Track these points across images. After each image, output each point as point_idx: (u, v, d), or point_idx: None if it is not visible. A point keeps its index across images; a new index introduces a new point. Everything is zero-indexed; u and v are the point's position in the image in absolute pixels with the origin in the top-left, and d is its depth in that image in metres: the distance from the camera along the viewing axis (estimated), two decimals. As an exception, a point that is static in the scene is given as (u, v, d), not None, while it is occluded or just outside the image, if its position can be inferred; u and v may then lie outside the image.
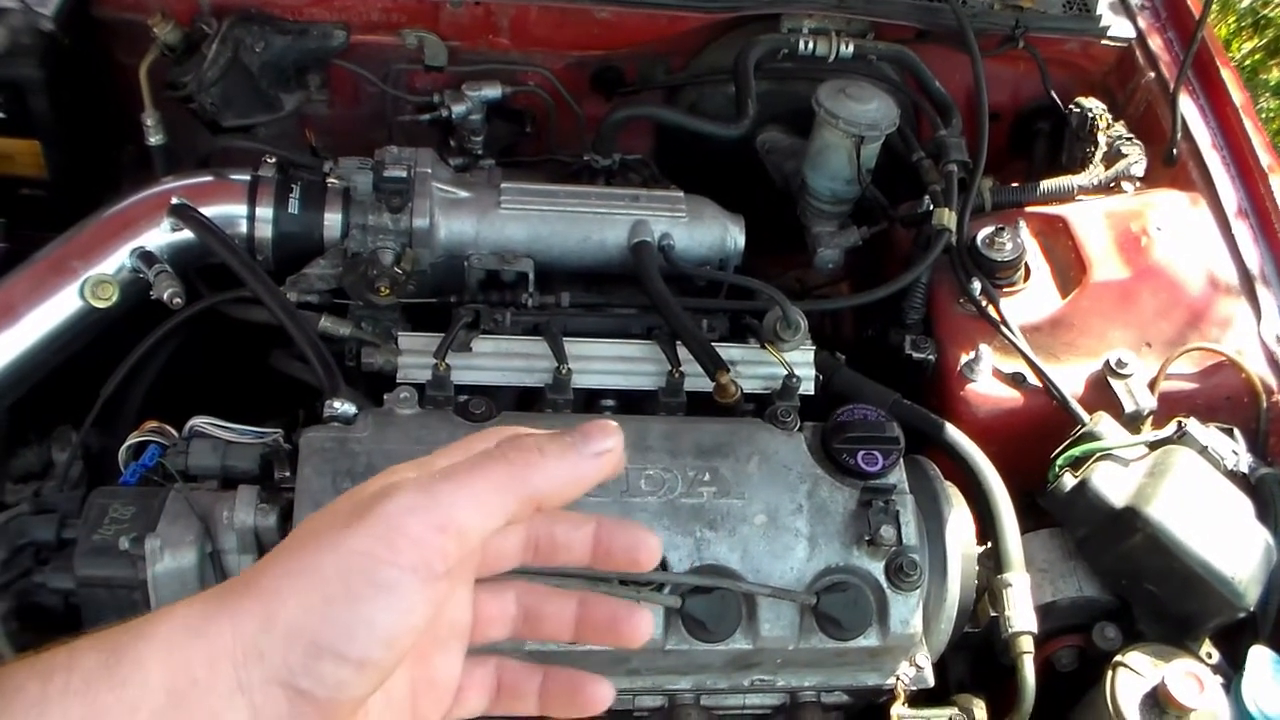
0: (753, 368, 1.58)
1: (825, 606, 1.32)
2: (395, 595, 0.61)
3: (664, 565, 1.31)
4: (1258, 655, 1.44)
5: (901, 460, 1.44)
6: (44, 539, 1.38)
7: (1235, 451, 1.59)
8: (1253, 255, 1.86)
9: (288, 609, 0.60)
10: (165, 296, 1.52)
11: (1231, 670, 1.47)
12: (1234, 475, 1.57)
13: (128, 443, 1.44)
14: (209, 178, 1.67)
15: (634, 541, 0.77)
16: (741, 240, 1.76)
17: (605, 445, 0.69)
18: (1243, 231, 1.89)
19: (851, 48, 2.00)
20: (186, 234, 1.59)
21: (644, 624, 0.78)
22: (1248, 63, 4.43)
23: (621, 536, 0.77)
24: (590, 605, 0.79)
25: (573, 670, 0.79)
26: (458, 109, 1.92)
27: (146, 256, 1.57)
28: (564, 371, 1.49)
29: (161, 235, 1.60)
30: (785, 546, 1.35)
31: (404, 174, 1.63)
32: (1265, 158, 1.94)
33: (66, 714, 0.58)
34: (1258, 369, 1.72)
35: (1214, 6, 4.07)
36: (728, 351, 1.56)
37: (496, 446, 0.68)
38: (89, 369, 1.59)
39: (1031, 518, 1.58)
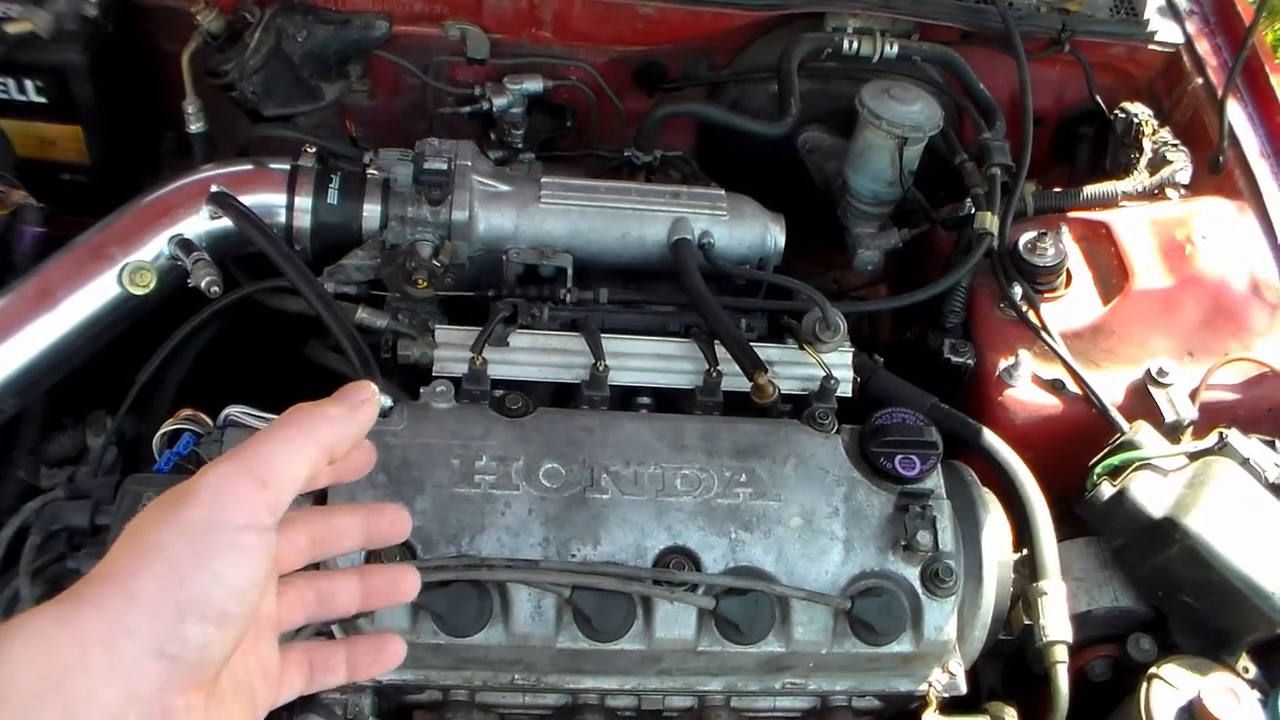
0: (790, 368, 1.57)
1: (860, 611, 1.31)
2: (237, 550, 0.70)
3: (698, 566, 1.31)
4: (1296, 671, 1.43)
5: (939, 465, 1.43)
6: (78, 525, 1.38)
7: (1277, 464, 1.57)
8: (1299, 265, 1.83)
9: (146, 586, 0.67)
10: (203, 285, 1.52)
11: (1269, 686, 1.45)
12: (1276, 488, 1.54)
13: (162, 430, 1.44)
14: (248, 166, 1.67)
15: (391, 518, 0.88)
16: (782, 240, 1.75)
17: (362, 396, 0.82)
18: (1290, 241, 1.86)
19: (896, 48, 1.98)
20: (225, 222, 1.59)
21: (413, 581, 0.89)
22: (1292, 70, 4.37)
23: (379, 517, 0.88)
24: (371, 574, 0.88)
25: (371, 635, 0.91)
26: (499, 102, 1.92)
27: (185, 244, 1.57)
28: (601, 368, 1.49)
29: (200, 223, 1.60)
30: (820, 550, 1.34)
31: (444, 166, 1.63)
32: (1316, 167, 1.91)
33: None
34: (1301, 381, 1.69)
35: (1264, 12, 4.04)
36: (766, 351, 1.55)
37: (284, 414, 0.78)
38: (125, 355, 1.59)
39: (1068, 526, 1.57)
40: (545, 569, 1.26)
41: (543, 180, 1.72)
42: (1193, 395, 1.66)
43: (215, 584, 0.69)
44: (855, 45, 1.98)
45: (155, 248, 1.58)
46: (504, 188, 1.70)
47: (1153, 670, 1.44)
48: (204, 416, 1.45)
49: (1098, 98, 2.12)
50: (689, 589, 1.28)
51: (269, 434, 0.76)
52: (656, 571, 1.29)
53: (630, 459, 1.35)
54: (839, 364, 1.58)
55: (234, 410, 1.43)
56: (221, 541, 0.70)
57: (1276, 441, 1.61)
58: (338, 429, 0.79)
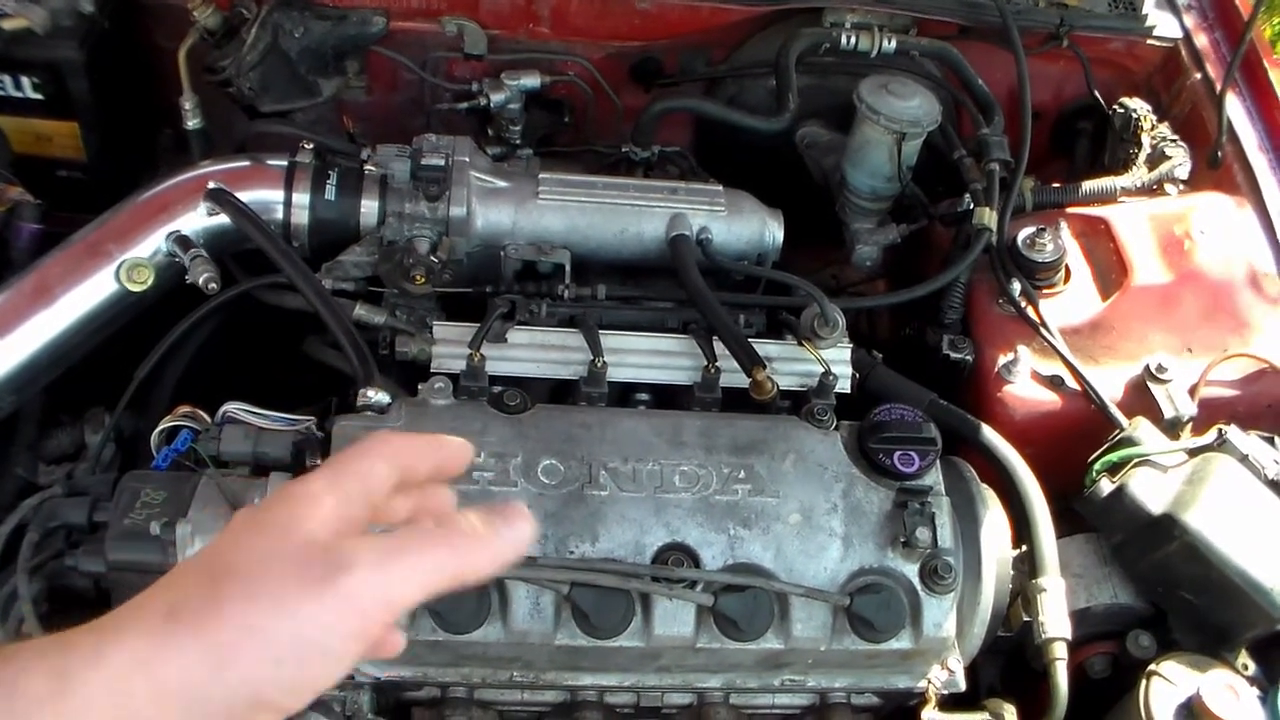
0: (789, 364, 1.56)
1: (858, 608, 1.31)
2: (337, 661, 0.68)
3: (697, 562, 1.31)
4: (1296, 667, 1.43)
5: (938, 461, 1.43)
6: (76, 522, 1.38)
7: (1277, 460, 1.56)
8: (1297, 260, 1.83)
9: (240, 666, 0.65)
10: (200, 281, 1.52)
11: (1268, 682, 1.45)
12: (1275, 484, 1.54)
13: (160, 427, 1.44)
14: (246, 163, 1.67)
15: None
16: (780, 235, 1.75)
17: (524, 533, 0.75)
18: (1289, 236, 1.86)
19: (894, 43, 1.98)
20: (222, 219, 1.59)
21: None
22: (1291, 64, 4.37)
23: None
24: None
25: None
26: (496, 98, 1.92)
27: (182, 241, 1.56)
28: (599, 365, 1.48)
29: (198, 219, 1.60)
30: (819, 546, 1.34)
31: (442, 162, 1.62)
32: (1313, 162, 1.91)
33: None
34: (1300, 377, 1.69)
35: (1262, 7, 4.03)
36: (764, 348, 1.55)
37: (440, 529, 0.73)
38: (123, 352, 1.59)
39: (1067, 522, 1.57)
40: (544, 566, 1.26)
41: (540, 176, 1.71)
42: (1192, 391, 1.66)
43: (307, 690, 0.67)
44: (853, 40, 1.97)
45: (153, 244, 1.58)
46: (502, 184, 1.69)
47: (1152, 667, 1.44)
48: (202, 413, 1.45)
49: (1096, 93, 2.12)
50: (687, 586, 1.28)
51: (422, 554, 0.70)
52: (655, 568, 1.29)
53: (628, 455, 1.35)
54: (838, 360, 1.57)
55: (231, 407, 1.43)
56: (328, 650, 0.67)
57: (1275, 438, 1.60)
58: (484, 565, 0.73)
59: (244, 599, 0.66)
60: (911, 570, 1.35)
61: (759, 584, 1.29)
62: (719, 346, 1.54)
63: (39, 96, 1.81)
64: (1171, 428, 1.62)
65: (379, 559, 0.69)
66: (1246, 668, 1.47)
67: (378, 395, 1.40)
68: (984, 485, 1.49)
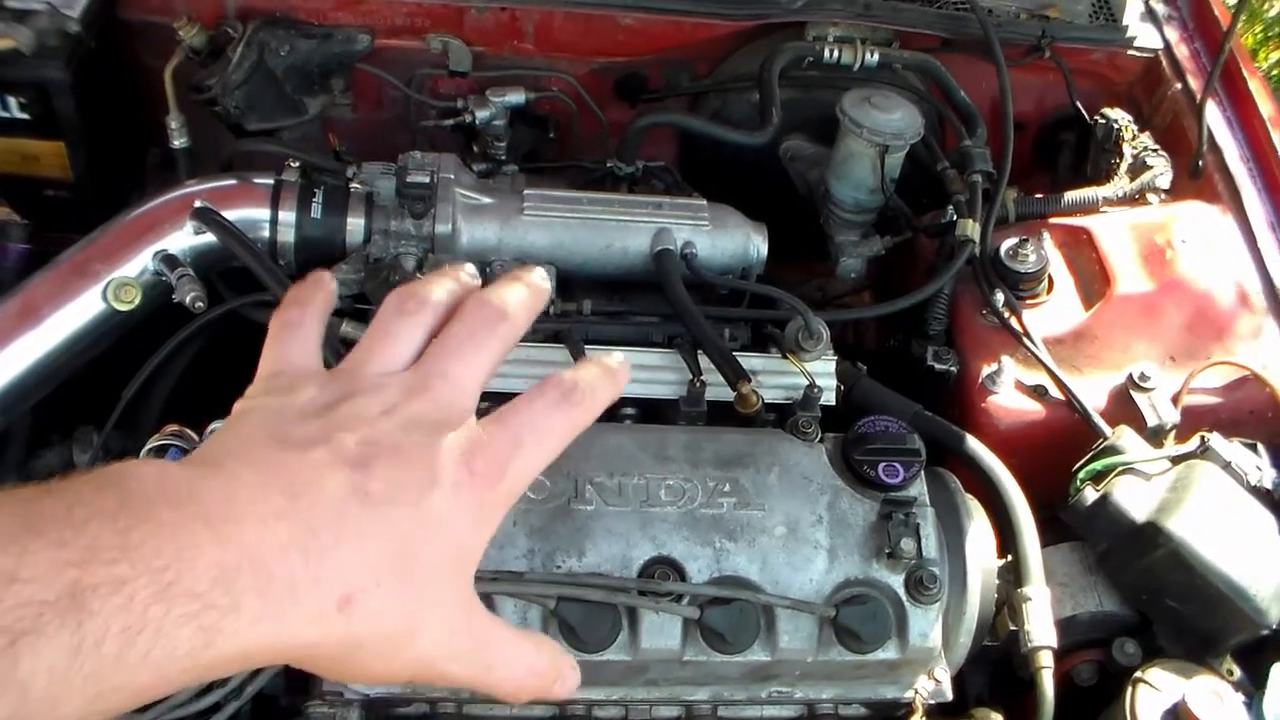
0: (774, 377, 1.57)
1: (844, 619, 1.31)
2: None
3: (683, 576, 1.31)
4: (1280, 673, 1.43)
5: (922, 472, 1.43)
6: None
7: (1259, 467, 1.58)
8: (1278, 268, 1.84)
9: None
10: (187, 300, 1.53)
11: (1253, 688, 1.45)
12: (1257, 491, 1.56)
13: (148, 446, 1.44)
14: (232, 181, 1.67)
15: None
16: (764, 249, 1.76)
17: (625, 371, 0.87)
18: (1269, 244, 1.87)
19: (876, 56, 1.99)
20: (209, 237, 1.59)
21: None
22: (1275, 72, 4.41)
23: None
24: None
25: None
26: (481, 114, 1.92)
27: (169, 260, 1.57)
28: (584, 379, 1.49)
29: (184, 238, 1.60)
30: (805, 558, 1.34)
31: (427, 179, 1.63)
32: (1293, 169, 1.93)
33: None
34: (1282, 384, 1.70)
35: (1242, 17, 4.06)
36: (749, 361, 1.55)
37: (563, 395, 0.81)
38: (112, 371, 1.59)
39: (1053, 532, 1.57)
40: (530, 580, 1.26)
41: (525, 192, 1.72)
42: (1175, 399, 1.67)
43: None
44: (836, 54, 1.99)
45: (140, 264, 1.58)
46: (487, 200, 1.70)
47: (1138, 674, 1.44)
48: (189, 432, 1.45)
49: (1078, 103, 2.13)
50: (674, 599, 1.28)
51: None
52: (641, 582, 1.29)
53: (614, 470, 1.36)
54: (822, 372, 1.58)
55: (219, 425, 1.43)
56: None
57: (1259, 445, 1.62)
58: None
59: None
60: (897, 581, 1.35)
61: (745, 597, 1.29)
62: (704, 360, 1.54)
63: (25, 116, 1.81)
64: (1155, 436, 1.62)
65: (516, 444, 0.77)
66: (1232, 673, 1.48)
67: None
68: (968, 495, 1.49)
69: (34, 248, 1.69)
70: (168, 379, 1.68)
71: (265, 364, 0.83)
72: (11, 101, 1.80)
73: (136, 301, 1.56)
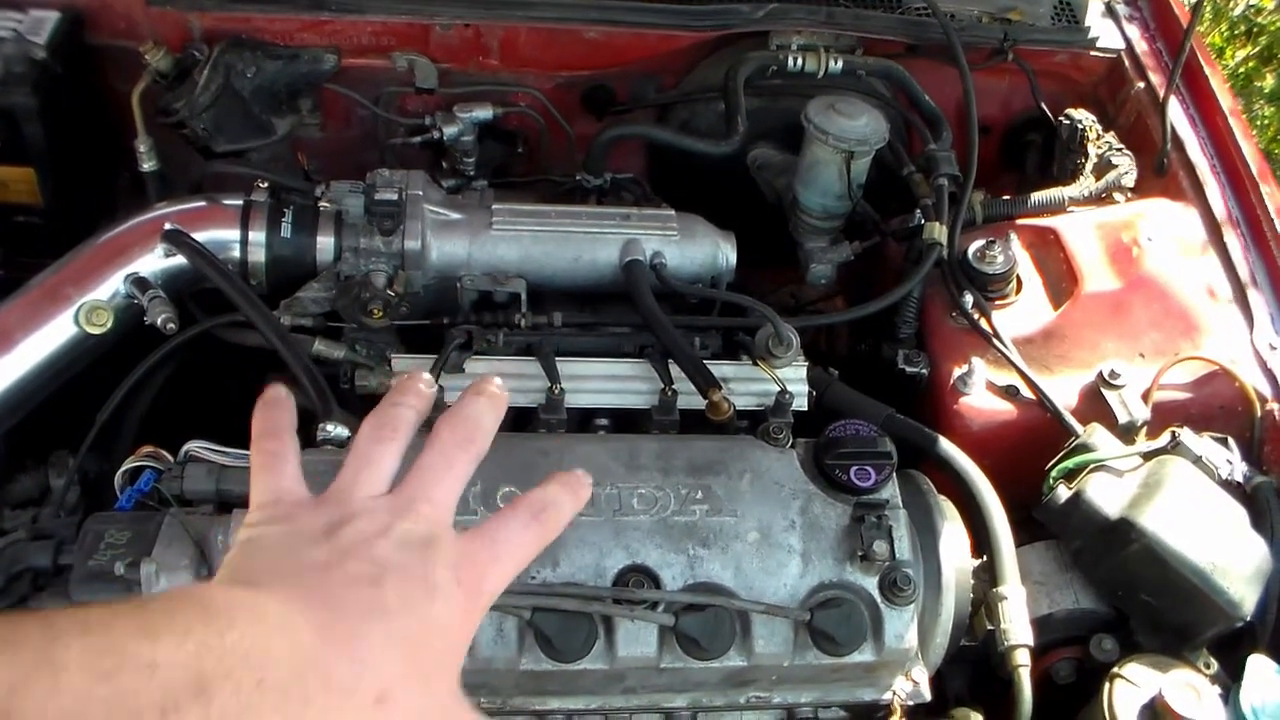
0: (745, 384, 1.58)
1: (819, 622, 1.32)
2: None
3: (657, 583, 1.31)
4: (1256, 664, 1.43)
5: (894, 475, 1.44)
6: (41, 565, 1.38)
7: (1229, 461, 1.59)
8: (1244, 263, 1.86)
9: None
10: (159, 322, 1.53)
11: (1230, 680, 1.46)
12: (1228, 484, 1.57)
13: (123, 468, 1.44)
14: (202, 203, 1.68)
15: None
16: (733, 257, 1.77)
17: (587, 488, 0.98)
18: (1233, 240, 1.89)
19: (840, 63, 2.01)
20: (180, 259, 1.60)
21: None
22: (1241, 70, 4.44)
23: None
24: None
25: None
26: (449, 130, 1.93)
27: (140, 282, 1.57)
28: (557, 391, 1.50)
29: (155, 261, 1.61)
30: (778, 563, 1.35)
31: (395, 196, 1.64)
32: (1255, 164, 1.94)
33: None
34: (1251, 378, 1.71)
35: (1206, 15, 4.10)
36: (720, 369, 1.56)
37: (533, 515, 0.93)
38: (85, 394, 1.59)
39: (1028, 531, 1.58)
40: (506, 592, 1.26)
41: (494, 207, 1.73)
42: (1145, 396, 1.68)
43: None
44: (800, 62, 2.00)
45: (111, 287, 1.59)
46: (456, 216, 1.71)
47: (1115, 669, 1.45)
48: (164, 453, 1.45)
49: (1043, 105, 2.15)
50: (648, 607, 1.29)
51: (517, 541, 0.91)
52: (616, 590, 1.29)
53: (586, 480, 1.36)
54: (793, 378, 1.59)
55: (194, 445, 1.44)
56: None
57: (1229, 439, 1.63)
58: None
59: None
60: (871, 583, 1.36)
61: (719, 602, 1.30)
62: (676, 369, 1.55)
63: (-7, 143, 1.81)
64: (1126, 432, 1.63)
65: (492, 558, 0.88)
66: (1209, 666, 1.48)
67: (337, 429, 1.41)
68: (941, 497, 1.50)
69: (5, 273, 1.69)
70: (143, 401, 1.68)
71: (259, 493, 0.91)
72: (-21, 129, 1.80)
73: (108, 325, 1.56)
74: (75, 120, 1.90)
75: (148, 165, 1.85)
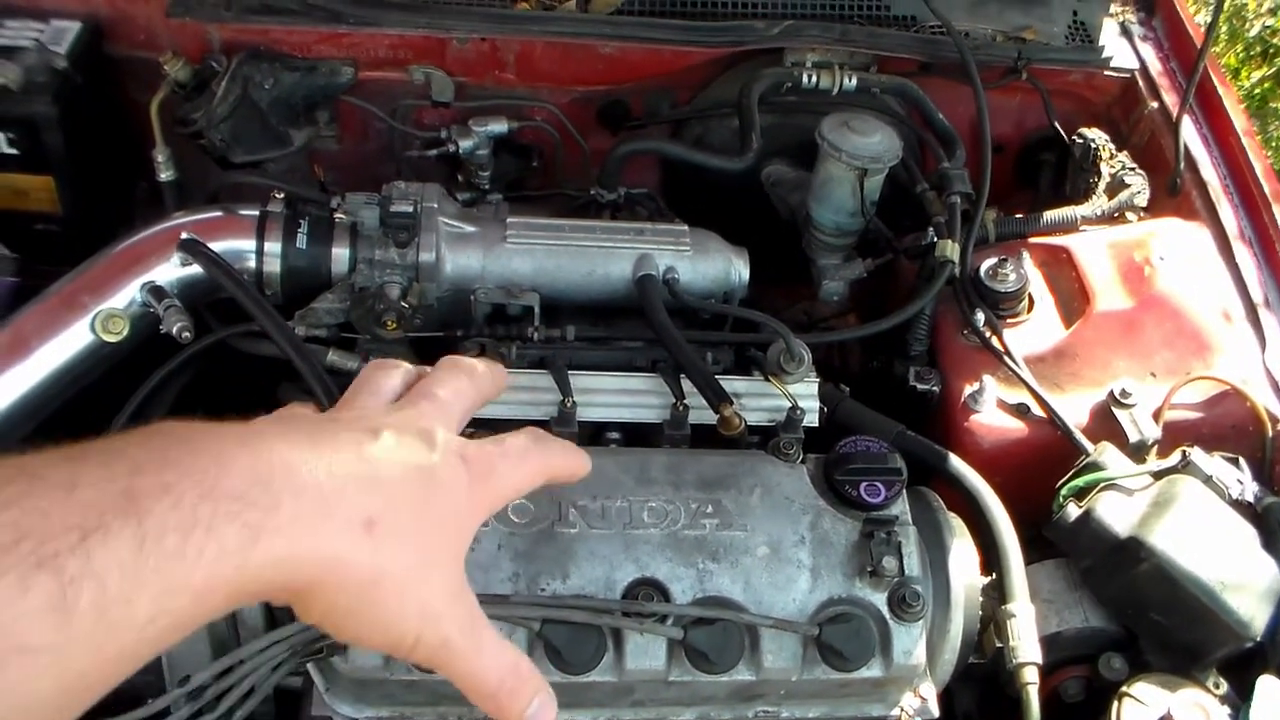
0: (757, 400, 1.58)
1: (828, 637, 1.32)
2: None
3: (667, 597, 1.32)
4: (1266, 686, 1.43)
5: (904, 491, 1.44)
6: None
7: (1240, 480, 1.59)
8: (1256, 283, 1.86)
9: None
10: (174, 330, 1.54)
11: (1239, 701, 1.46)
12: (1239, 504, 1.57)
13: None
14: (218, 213, 1.69)
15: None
16: (746, 273, 1.77)
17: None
18: (1246, 259, 1.89)
19: (855, 81, 2.01)
20: (195, 269, 1.61)
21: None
22: (1257, 91, 4.44)
23: None
24: None
25: None
26: (465, 144, 1.94)
27: (156, 291, 1.59)
28: (569, 405, 1.50)
29: (171, 270, 1.62)
30: (788, 578, 1.35)
31: (410, 209, 1.65)
32: (1268, 185, 1.95)
33: None
34: (1263, 398, 1.71)
35: (1222, 36, 4.11)
36: (732, 384, 1.57)
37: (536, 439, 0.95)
38: (102, 402, 1.61)
39: (1038, 550, 1.58)
40: (516, 604, 1.27)
41: (509, 220, 1.74)
42: (1156, 415, 1.68)
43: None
44: (814, 79, 2.00)
45: (127, 295, 1.60)
46: (470, 229, 1.72)
47: (1124, 689, 1.45)
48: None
49: (1056, 124, 2.15)
50: (658, 620, 1.29)
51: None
52: (625, 603, 1.30)
53: (597, 493, 1.37)
54: (805, 394, 1.59)
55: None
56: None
57: (1240, 459, 1.63)
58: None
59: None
60: (880, 599, 1.36)
61: (728, 616, 1.30)
62: (688, 384, 1.56)
63: (14, 151, 1.83)
64: (1137, 451, 1.63)
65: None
66: (1218, 686, 1.48)
67: None
68: (951, 514, 1.50)
69: (23, 281, 1.71)
70: (160, 408, 1.69)
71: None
72: (0, 137, 1.82)
73: (124, 333, 1.58)
74: (95, 130, 1.92)
75: (165, 175, 1.86)
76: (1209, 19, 1.98)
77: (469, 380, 0.95)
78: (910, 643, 1.36)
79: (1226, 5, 4.26)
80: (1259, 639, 1.47)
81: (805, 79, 2.01)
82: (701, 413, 1.54)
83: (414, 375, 0.94)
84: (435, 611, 0.78)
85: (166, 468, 0.63)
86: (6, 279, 1.71)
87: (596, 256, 1.72)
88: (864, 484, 1.41)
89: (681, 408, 1.53)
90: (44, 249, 1.84)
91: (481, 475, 0.83)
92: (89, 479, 0.60)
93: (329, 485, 0.70)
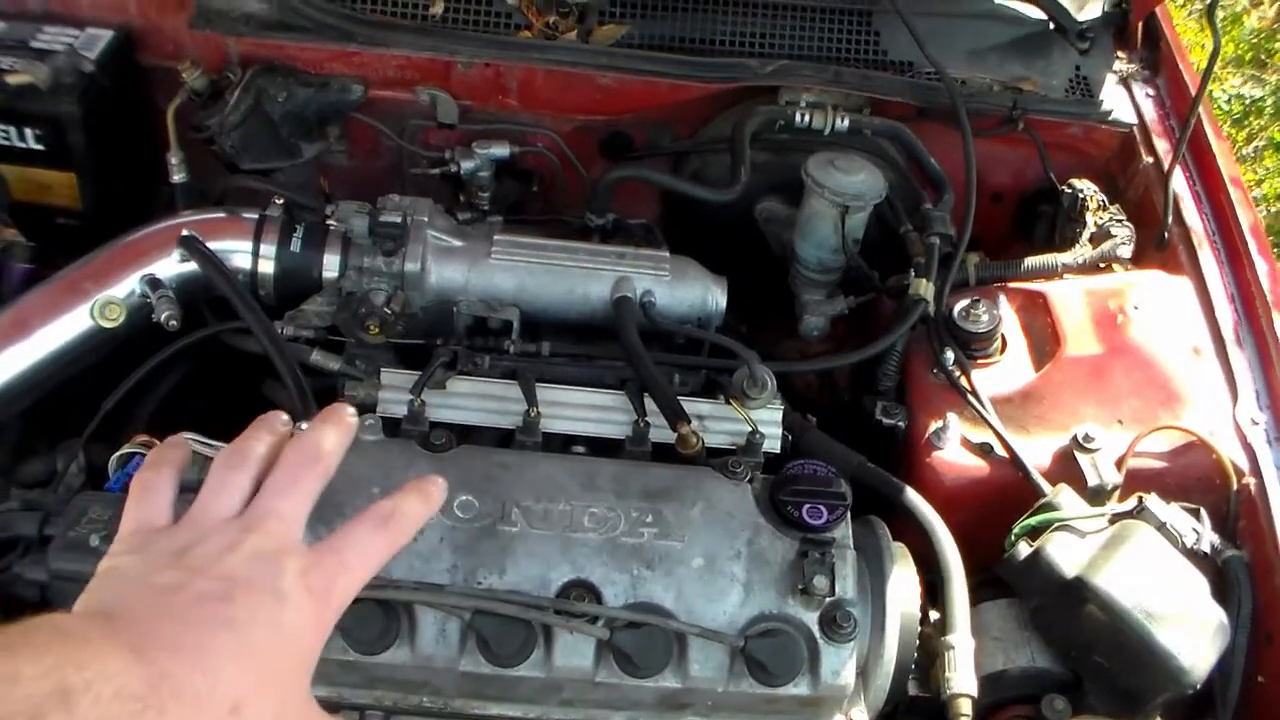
0: (721, 423, 1.62)
1: (753, 650, 1.34)
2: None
3: (599, 599, 1.35)
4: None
5: (850, 518, 1.47)
6: (27, 534, 1.46)
7: (1197, 530, 1.60)
8: (1233, 337, 1.87)
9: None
10: (162, 319, 1.62)
11: (1181, 748, 1.47)
12: (1193, 554, 1.58)
13: (118, 453, 1.52)
14: (221, 214, 1.77)
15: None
16: (723, 301, 1.81)
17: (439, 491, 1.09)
18: (1226, 313, 1.90)
19: (847, 121, 2.05)
20: (194, 265, 1.69)
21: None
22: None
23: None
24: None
25: None
26: (467, 165, 2.01)
27: (153, 282, 1.67)
28: (533, 414, 1.55)
29: (172, 265, 1.70)
30: (720, 591, 1.38)
31: (399, 220, 1.71)
32: (1253, 240, 1.96)
33: None
34: (1230, 451, 1.72)
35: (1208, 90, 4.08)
36: (697, 406, 1.61)
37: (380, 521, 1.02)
38: (100, 388, 1.68)
39: (996, 590, 1.60)
40: (450, 593, 1.32)
41: (495, 237, 1.80)
42: (1119, 462, 1.69)
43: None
44: (807, 118, 2.05)
45: (128, 285, 1.68)
46: (457, 243, 1.78)
47: (1064, 731, 1.46)
48: (156, 441, 1.53)
49: (1052, 175, 2.16)
50: (587, 620, 1.33)
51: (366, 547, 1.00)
52: (557, 601, 1.34)
53: (541, 495, 1.41)
54: (768, 421, 1.62)
55: (182, 437, 1.51)
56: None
57: (1201, 510, 1.64)
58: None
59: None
60: (811, 618, 1.38)
61: (655, 621, 1.33)
62: (652, 404, 1.60)
63: (40, 147, 1.93)
64: (1095, 496, 1.65)
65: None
66: (1159, 732, 1.50)
67: None
68: (897, 543, 1.52)
69: (37, 268, 1.79)
70: (153, 398, 1.76)
71: (125, 524, 0.99)
72: (28, 133, 1.92)
73: (120, 320, 1.66)
74: (118, 132, 2.01)
75: (177, 177, 1.96)
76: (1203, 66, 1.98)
77: (315, 464, 1.02)
78: (839, 663, 1.38)
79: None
80: (1198, 686, 1.47)
81: (798, 118, 2.06)
82: (664, 431, 1.58)
83: (264, 465, 1.02)
84: None
85: (88, 666, 0.74)
86: (21, 265, 1.79)
87: (577, 276, 1.77)
88: (806, 506, 1.44)
89: (642, 424, 1.58)
90: (63, 241, 1.92)
91: (323, 597, 0.93)
92: (30, 673, 0.70)
93: (203, 686, 0.80)
